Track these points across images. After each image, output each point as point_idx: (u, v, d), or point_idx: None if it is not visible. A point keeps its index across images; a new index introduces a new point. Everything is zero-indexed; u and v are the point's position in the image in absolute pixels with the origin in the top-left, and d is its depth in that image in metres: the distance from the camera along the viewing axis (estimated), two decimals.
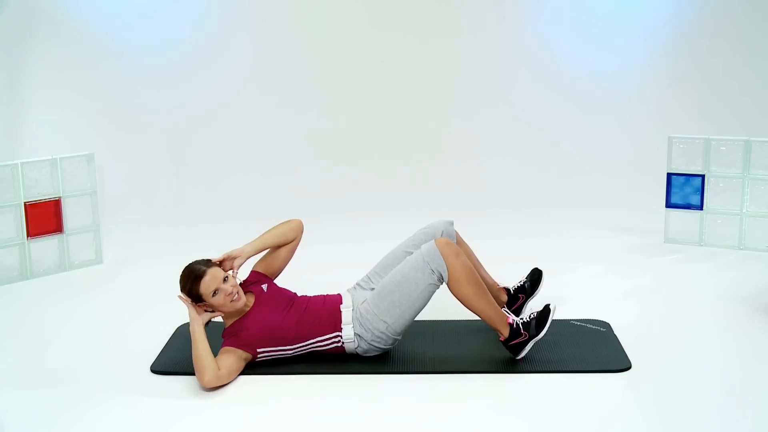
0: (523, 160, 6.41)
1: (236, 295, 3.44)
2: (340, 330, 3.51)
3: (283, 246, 3.74)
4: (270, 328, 3.48)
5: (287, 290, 3.69)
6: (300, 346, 3.52)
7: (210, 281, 3.38)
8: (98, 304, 4.39)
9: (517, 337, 3.48)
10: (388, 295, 3.49)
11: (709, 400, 3.20)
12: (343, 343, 3.52)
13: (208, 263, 3.45)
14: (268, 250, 3.72)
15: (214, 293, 3.39)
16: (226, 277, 3.44)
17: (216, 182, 6.32)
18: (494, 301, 3.52)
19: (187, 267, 3.45)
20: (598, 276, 4.64)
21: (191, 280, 3.39)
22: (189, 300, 3.42)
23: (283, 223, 3.77)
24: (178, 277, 3.44)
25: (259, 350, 3.48)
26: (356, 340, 3.51)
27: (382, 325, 3.48)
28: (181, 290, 3.43)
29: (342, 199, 6.18)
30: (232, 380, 3.39)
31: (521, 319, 3.53)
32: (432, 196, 6.16)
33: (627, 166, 6.29)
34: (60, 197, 4.89)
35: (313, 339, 3.52)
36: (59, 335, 3.96)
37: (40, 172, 4.82)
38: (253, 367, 3.49)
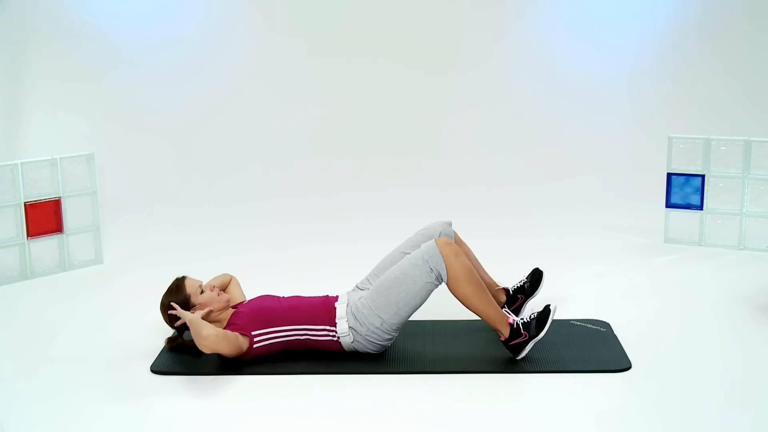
0: (522, 159, 6.41)
1: (220, 291, 3.61)
2: (335, 325, 3.51)
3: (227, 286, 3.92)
4: (264, 310, 3.54)
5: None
6: (294, 329, 3.51)
7: (193, 281, 3.62)
8: (98, 304, 4.38)
9: (517, 337, 3.48)
10: (385, 291, 3.49)
11: (710, 400, 3.20)
12: (338, 337, 3.52)
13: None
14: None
15: (201, 291, 3.57)
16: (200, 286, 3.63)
17: (216, 182, 6.32)
18: (494, 301, 3.51)
19: (167, 290, 3.61)
20: (598, 276, 4.64)
21: (176, 285, 3.61)
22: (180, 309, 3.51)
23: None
24: (159, 306, 3.60)
25: (254, 333, 3.47)
26: (351, 334, 3.50)
27: (377, 321, 3.48)
28: (167, 307, 3.55)
29: (340, 198, 6.18)
30: (231, 352, 3.38)
31: (521, 319, 3.53)
32: (432, 195, 6.16)
33: (627, 166, 6.29)
34: (60, 197, 4.89)
35: (307, 325, 3.52)
36: (59, 335, 3.96)
37: (40, 172, 4.81)
38: (253, 367, 3.49)
